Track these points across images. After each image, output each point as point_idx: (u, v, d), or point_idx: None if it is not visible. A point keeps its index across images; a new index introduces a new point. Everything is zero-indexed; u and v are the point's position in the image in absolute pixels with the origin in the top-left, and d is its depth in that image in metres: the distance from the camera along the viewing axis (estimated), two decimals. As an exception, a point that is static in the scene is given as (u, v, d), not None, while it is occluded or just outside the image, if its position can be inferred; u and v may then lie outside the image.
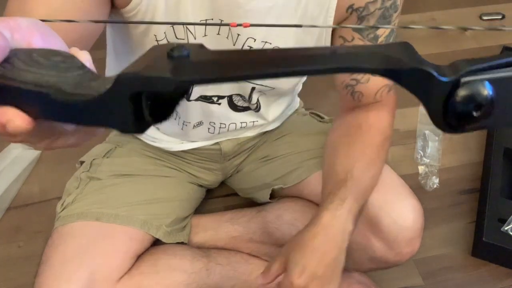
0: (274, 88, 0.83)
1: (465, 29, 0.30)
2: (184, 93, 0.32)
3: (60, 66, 0.30)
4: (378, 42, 0.74)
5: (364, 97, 0.81)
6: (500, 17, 1.81)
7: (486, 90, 0.27)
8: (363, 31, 0.73)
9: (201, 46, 0.29)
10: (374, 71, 0.27)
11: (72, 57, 0.31)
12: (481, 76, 0.27)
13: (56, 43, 0.33)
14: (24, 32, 0.31)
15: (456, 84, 0.27)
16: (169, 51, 0.27)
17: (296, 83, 0.88)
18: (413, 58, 0.27)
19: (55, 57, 0.30)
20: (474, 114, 0.27)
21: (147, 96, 0.28)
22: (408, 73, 0.27)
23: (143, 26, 0.69)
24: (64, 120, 0.30)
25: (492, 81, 0.27)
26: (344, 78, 0.78)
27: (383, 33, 0.73)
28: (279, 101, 0.95)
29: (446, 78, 0.27)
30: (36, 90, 0.29)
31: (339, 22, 0.74)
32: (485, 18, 1.80)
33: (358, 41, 0.75)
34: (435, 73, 0.27)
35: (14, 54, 0.30)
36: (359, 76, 0.78)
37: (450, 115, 0.28)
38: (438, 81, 0.27)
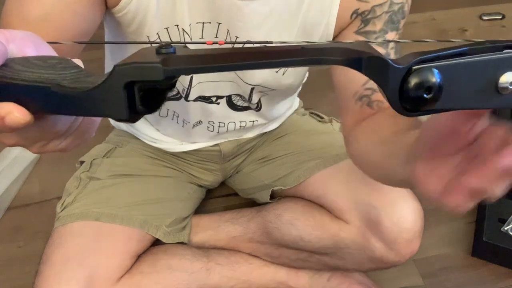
0: (275, 89, 0.83)
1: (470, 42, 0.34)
2: (172, 85, 0.35)
3: (57, 66, 0.32)
4: (388, 49, 0.72)
5: (385, 103, 0.73)
6: (500, 17, 1.81)
7: (434, 76, 0.31)
8: (371, 34, 0.70)
9: (184, 46, 0.34)
10: (337, 62, 0.31)
11: (67, 60, 0.33)
12: (429, 64, 0.31)
13: (49, 54, 0.35)
14: (18, 43, 0.33)
15: (408, 72, 0.31)
16: (157, 48, 0.31)
17: (299, 83, 0.87)
18: (372, 50, 0.32)
19: (51, 60, 0.33)
20: (426, 96, 0.31)
21: (139, 88, 0.31)
22: (367, 60, 0.31)
23: (134, 26, 0.68)
24: (62, 111, 0.32)
25: (439, 68, 0.31)
26: (356, 89, 0.71)
27: (392, 39, 0.71)
28: (280, 101, 0.95)
29: (399, 65, 0.31)
30: (36, 85, 0.31)
31: (342, 29, 0.73)
32: (485, 18, 1.80)
33: None
34: (390, 61, 0.31)
35: (11, 61, 0.32)
36: (374, 84, 0.74)
37: (405, 99, 0.32)
38: (393, 68, 0.31)
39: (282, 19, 0.71)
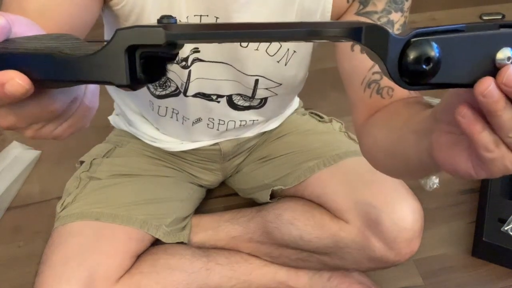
0: (280, 84, 0.82)
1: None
2: (174, 56, 0.35)
3: (60, 38, 0.33)
4: (394, 30, 0.69)
5: (395, 91, 0.69)
6: (500, 17, 1.81)
7: (433, 48, 0.32)
8: (372, 14, 0.69)
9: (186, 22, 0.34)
10: (336, 34, 0.31)
11: (70, 34, 0.34)
12: (428, 37, 0.32)
13: None
14: (23, 28, 0.33)
15: (407, 44, 0.32)
16: (158, 19, 0.31)
17: (302, 77, 0.86)
18: (371, 22, 0.33)
19: (54, 34, 0.34)
20: (424, 67, 0.32)
21: (140, 55, 0.32)
22: (368, 30, 0.31)
23: (132, 19, 0.68)
24: (63, 78, 0.32)
25: (437, 41, 0.32)
26: (364, 74, 0.68)
27: (398, 20, 0.69)
28: (287, 101, 0.94)
29: (399, 36, 0.32)
30: (37, 53, 0.31)
31: (340, 14, 0.72)
32: (485, 18, 1.80)
33: None
34: (390, 31, 0.31)
35: (14, 38, 0.33)
36: None
37: (405, 72, 0.32)
38: (393, 38, 0.32)
39: (278, 8, 0.70)
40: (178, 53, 0.35)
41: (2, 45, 0.31)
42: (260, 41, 0.33)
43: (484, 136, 0.34)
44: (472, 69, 0.33)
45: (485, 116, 0.34)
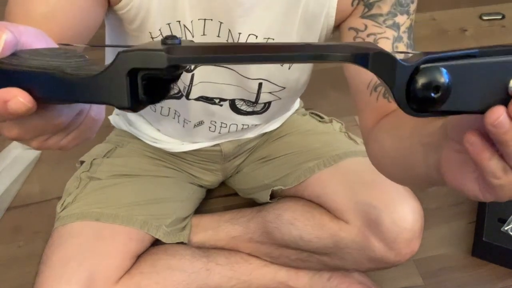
0: (284, 87, 0.81)
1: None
2: (176, 77, 0.35)
3: (63, 55, 0.32)
4: (400, 32, 0.69)
5: None
6: (500, 17, 1.81)
7: (443, 76, 0.30)
8: (377, 17, 0.68)
9: (191, 41, 0.34)
10: (343, 58, 0.30)
11: (74, 51, 0.34)
12: (438, 64, 0.31)
13: None
14: (31, 38, 0.33)
15: (416, 70, 0.31)
16: (162, 39, 0.31)
17: (305, 80, 0.85)
18: (378, 47, 0.31)
19: (58, 50, 0.33)
20: (433, 96, 0.31)
21: (142, 77, 0.31)
22: (374, 56, 0.30)
23: (137, 23, 0.68)
24: (65, 98, 0.32)
25: (448, 68, 0.31)
26: (370, 76, 0.65)
27: (403, 23, 0.68)
28: (285, 102, 0.94)
29: (407, 63, 0.31)
30: (41, 72, 0.31)
31: (344, 18, 0.72)
32: (485, 18, 1.80)
33: (373, 28, 0.68)
34: (397, 59, 0.30)
35: (20, 51, 0.32)
36: None
37: (413, 99, 0.31)
38: (401, 65, 0.30)
39: (282, 12, 0.70)
40: (181, 74, 0.35)
41: (8, 61, 0.31)
42: (263, 63, 0.32)
43: (492, 164, 0.33)
44: (483, 96, 0.31)
45: (493, 142, 0.33)
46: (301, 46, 0.31)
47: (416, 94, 0.31)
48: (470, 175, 0.36)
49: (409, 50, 0.68)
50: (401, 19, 0.68)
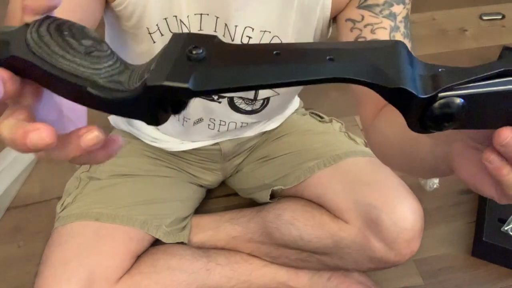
0: None
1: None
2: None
3: (93, 55, 0.32)
4: (397, 22, 0.69)
5: None
6: (500, 17, 1.80)
7: (459, 106, 0.30)
8: (374, 7, 0.68)
9: (214, 38, 0.32)
10: (361, 83, 0.30)
11: (100, 43, 0.33)
12: (457, 92, 0.30)
13: None
14: None
15: (434, 98, 0.30)
16: (187, 53, 0.31)
17: None
18: (397, 70, 0.30)
19: (86, 41, 0.32)
20: (446, 124, 0.31)
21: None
22: (391, 91, 0.30)
23: (134, 19, 0.68)
24: (86, 105, 0.32)
25: (465, 97, 0.30)
26: None
27: (400, 13, 0.69)
28: (284, 98, 0.94)
29: (424, 95, 0.30)
30: (73, 82, 0.31)
31: (340, 9, 0.72)
32: (485, 18, 1.80)
33: (370, 19, 0.68)
34: (414, 92, 0.29)
35: (47, 27, 0.32)
36: None
37: (425, 123, 0.31)
38: (417, 98, 0.30)
39: (278, 5, 0.70)
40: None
41: (39, 53, 0.30)
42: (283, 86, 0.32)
43: (511, 178, 0.34)
44: (495, 118, 0.31)
45: None
46: (322, 67, 0.31)
47: (429, 120, 0.31)
48: (486, 179, 0.36)
49: (406, 40, 0.68)
50: (397, 9, 0.68)
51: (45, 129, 0.28)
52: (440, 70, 0.31)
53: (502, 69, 0.31)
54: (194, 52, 0.31)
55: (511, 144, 0.32)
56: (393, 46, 0.32)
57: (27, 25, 0.32)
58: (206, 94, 0.31)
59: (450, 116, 0.30)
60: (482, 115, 0.31)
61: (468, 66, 0.31)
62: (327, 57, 0.31)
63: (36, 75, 0.31)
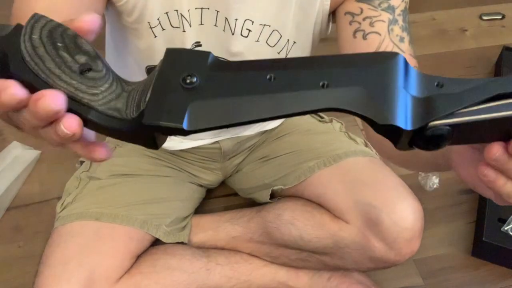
0: None
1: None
2: None
3: (89, 77, 0.32)
4: (395, 15, 0.70)
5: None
6: (500, 17, 1.80)
7: (447, 136, 0.31)
8: (372, 0, 0.69)
9: (209, 56, 0.33)
10: (353, 114, 0.31)
11: (95, 59, 0.33)
12: (447, 121, 0.31)
13: None
14: None
15: (424, 127, 0.31)
16: (181, 82, 0.31)
17: None
18: (390, 99, 0.31)
19: (80, 57, 0.33)
20: (436, 147, 0.32)
21: None
22: (381, 126, 0.31)
23: (136, 14, 0.69)
24: (94, 130, 0.34)
25: (454, 126, 0.31)
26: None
27: (398, 6, 0.69)
28: None
29: (413, 127, 0.31)
30: (74, 109, 0.32)
31: (339, 3, 0.72)
32: (485, 18, 1.80)
33: (369, 12, 0.69)
34: (403, 127, 0.30)
35: (40, 34, 0.32)
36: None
37: (415, 144, 0.32)
38: (406, 131, 0.31)
39: None
40: None
41: (35, 69, 0.31)
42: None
43: (507, 187, 0.36)
44: (487, 136, 0.33)
45: None
46: (317, 97, 0.32)
47: (418, 145, 0.32)
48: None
49: (404, 33, 0.69)
50: (396, 2, 0.69)
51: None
52: (436, 85, 0.32)
53: (497, 93, 0.31)
54: (188, 81, 0.32)
55: (502, 159, 0.33)
56: (389, 64, 0.32)
57: (20, 26, 0.32)
58: (200, 132, 0.32)
59: (440, 141, 0.31)
60: (474, 135, 0.33)
61: (466, 78, 0.32)
62: (321, 83, 0.31)
63: (34, 90, 0.32)
